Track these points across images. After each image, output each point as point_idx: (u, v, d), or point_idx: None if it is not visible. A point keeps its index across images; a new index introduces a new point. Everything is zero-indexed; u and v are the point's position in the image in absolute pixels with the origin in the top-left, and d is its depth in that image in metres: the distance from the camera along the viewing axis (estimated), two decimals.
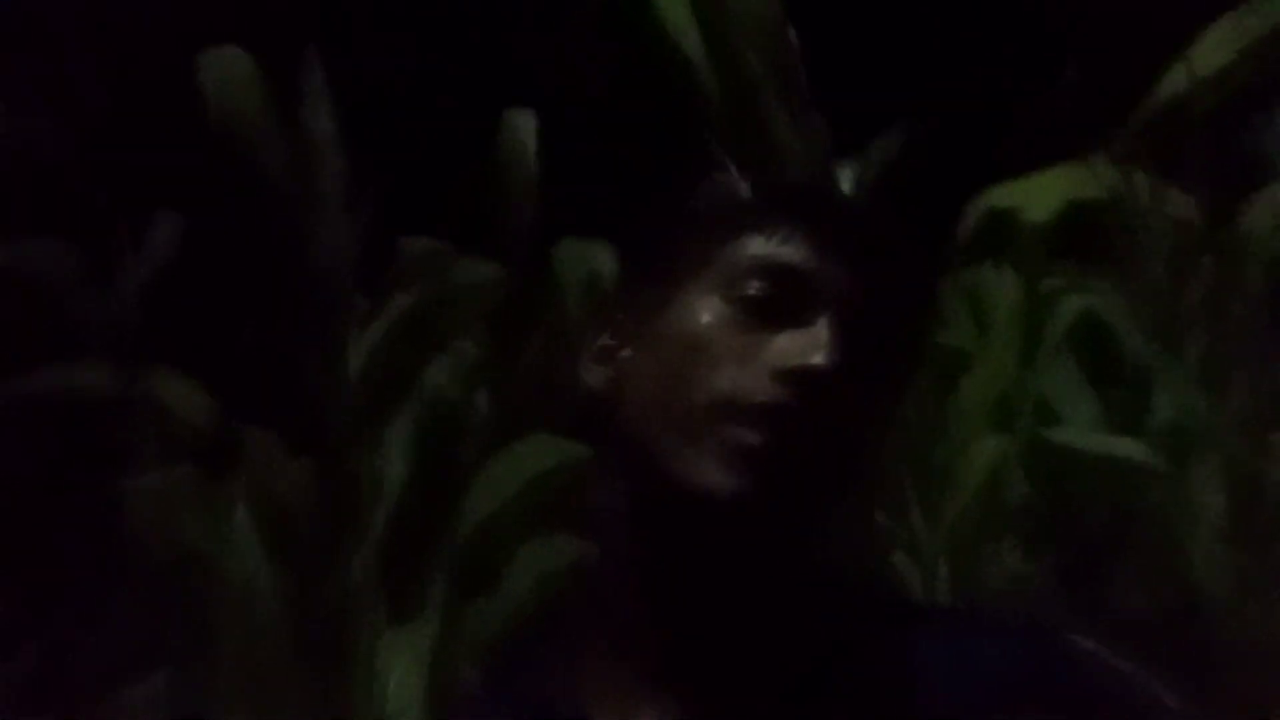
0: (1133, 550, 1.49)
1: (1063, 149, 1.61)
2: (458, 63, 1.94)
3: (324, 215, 1.81)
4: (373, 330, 1.89)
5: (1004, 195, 1.60)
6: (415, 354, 1.91)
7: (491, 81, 1.92)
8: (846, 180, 1.79)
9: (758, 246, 0.69)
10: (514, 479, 1.74)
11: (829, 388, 0.66)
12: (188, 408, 1.59)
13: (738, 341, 0.67)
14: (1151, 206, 1.48)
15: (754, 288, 0.68)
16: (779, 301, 0.68)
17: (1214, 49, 1.51)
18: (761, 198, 0.75)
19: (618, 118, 1.92)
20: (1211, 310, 1.46)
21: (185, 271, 1.69)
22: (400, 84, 1.90)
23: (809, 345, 0.66)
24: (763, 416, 0.65)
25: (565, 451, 1.71)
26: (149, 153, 1.67)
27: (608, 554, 0.69)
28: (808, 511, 0.67)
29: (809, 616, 0.67)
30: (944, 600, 1.53)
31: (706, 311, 0.68)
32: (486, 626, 1.66)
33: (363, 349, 1.87)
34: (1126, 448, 1.37)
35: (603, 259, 1.84)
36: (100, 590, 1.59)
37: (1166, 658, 1.46)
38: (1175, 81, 1.54)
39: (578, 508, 1.72)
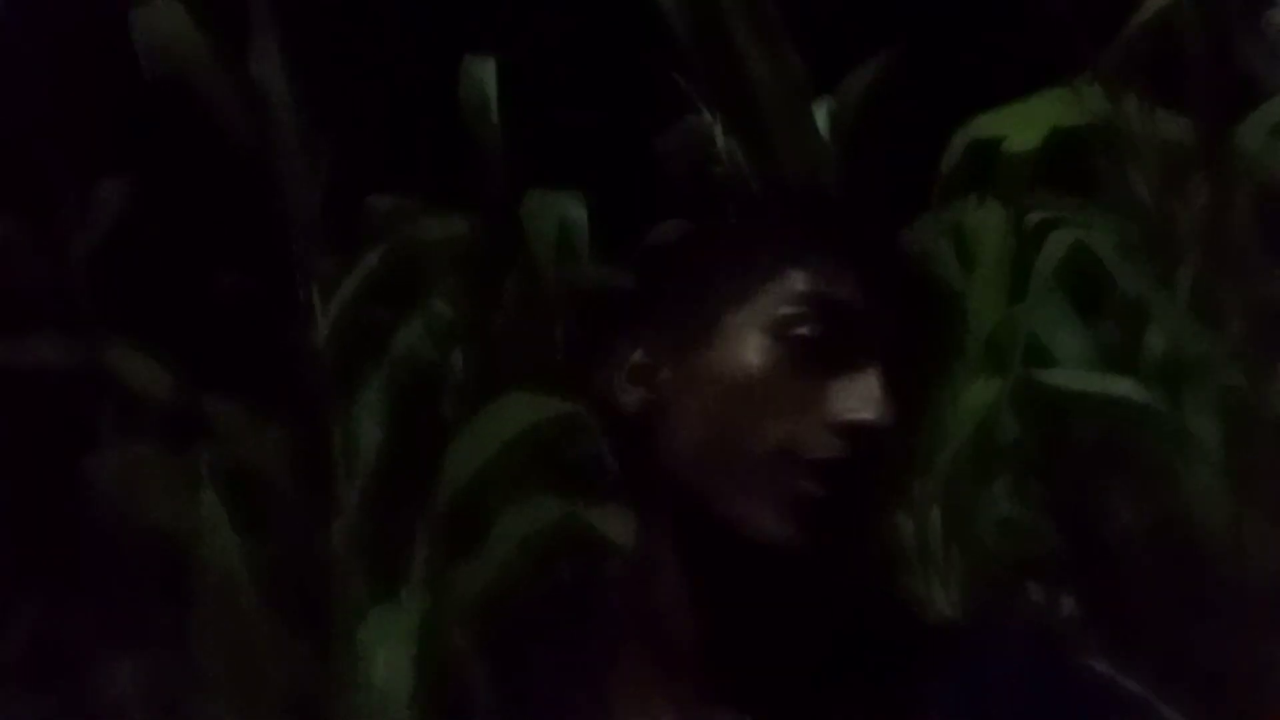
0: (1127, 487, 1.46)
1: (1048, 73, 1.54)
2: (413, 8, 1.87)
3: (281, 172, 1.74)
4: (340, 292, 1.83)
5: (987, 124, 1.54)
6: (386, 314, 1.85)
7: (448, 27, 1.85)
8: (823, 118, 1.73)
9: (807, 282, 0.69)
10: (494, 439, 1.69)
11: (881, 438, 0.67)
12: (146, 379, 1.53)
13: (792, 388, 0.67)
14: (1142, 130, 1.42)
15: (806, 328, 0.67)
16: (830, 343, 0.68)
17: None
18: (793, 217, 0.73)
19: (584, 61, 1.85)
20: (1204, 236, 1.40)
21: (136, 237, 1.63)
22: (354, 33, 1.83)
23: (865, 398, 0.67)
24: (820, 470, 0.66)
25: (545, 409, 1.67)
26: (92, 115, 1.61)
27: (646, 573, 0.70)
28: (854, 548, 0.69)
29: (837, 638, 0.69)
30: (938, 547, 1.48)
31: (756, 351, 0.68)
32: (470, 592, 1.62)
33: (331, 311, 1.82)
34: (1120, 386, 1.32)
35: (573, 210, 1.78)
36: (70, 571, 1.54)
37: (1163, 593, 1.42)
38: None
39: (559, 466, 1.69)
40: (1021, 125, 1.49)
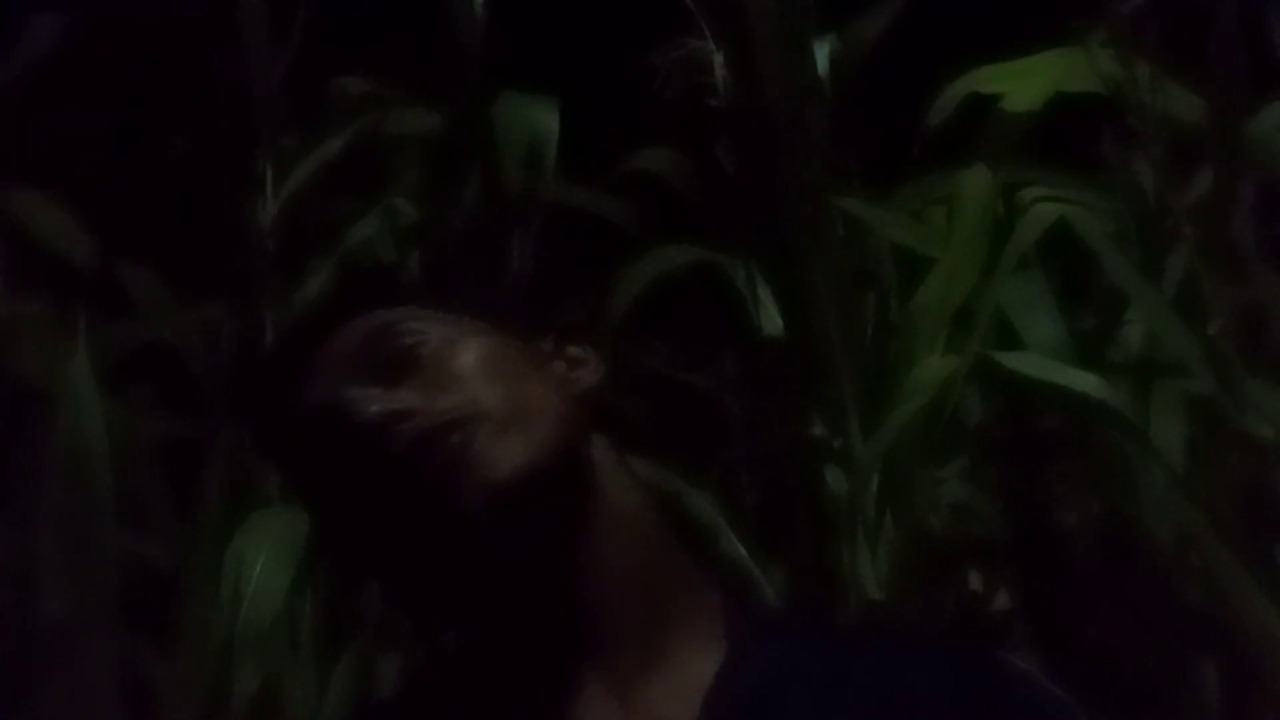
0: (1081, 480, 1.36)
1: (1059, 30, 1.42)
2: None
3: (246, 36, 1.63)
4: (296, 173, 1.73)
5: (986, 79, 1.42)
6: (342, 205, 1.76)
7: None
8: (823, 57, 1.61)
9: None
10: None
11: None
12: (58, 235, 1.43)
13: None
14: (1151, 104, 1.30)
15: None
16: None
17: None
18: None
19: None
20: (1199, 228, 1.29)
21: (68, 78, 1.52)
22: None
23: None
24: None
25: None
26: None
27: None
28: None
29: (749, 642, 0.69)
30: (871, 516, 1.39)
31: None
32: None
33: (282, 193, 1.72)
34: (1083, 381, 1.22)
35: (546, 119, 1.67)
36: None
37: (1100, 595, 1.33)
38: None
39: None
40: (1021, 83, 1.37)
